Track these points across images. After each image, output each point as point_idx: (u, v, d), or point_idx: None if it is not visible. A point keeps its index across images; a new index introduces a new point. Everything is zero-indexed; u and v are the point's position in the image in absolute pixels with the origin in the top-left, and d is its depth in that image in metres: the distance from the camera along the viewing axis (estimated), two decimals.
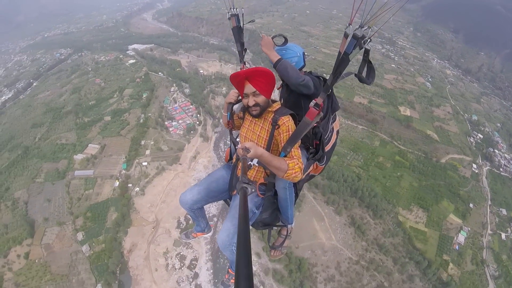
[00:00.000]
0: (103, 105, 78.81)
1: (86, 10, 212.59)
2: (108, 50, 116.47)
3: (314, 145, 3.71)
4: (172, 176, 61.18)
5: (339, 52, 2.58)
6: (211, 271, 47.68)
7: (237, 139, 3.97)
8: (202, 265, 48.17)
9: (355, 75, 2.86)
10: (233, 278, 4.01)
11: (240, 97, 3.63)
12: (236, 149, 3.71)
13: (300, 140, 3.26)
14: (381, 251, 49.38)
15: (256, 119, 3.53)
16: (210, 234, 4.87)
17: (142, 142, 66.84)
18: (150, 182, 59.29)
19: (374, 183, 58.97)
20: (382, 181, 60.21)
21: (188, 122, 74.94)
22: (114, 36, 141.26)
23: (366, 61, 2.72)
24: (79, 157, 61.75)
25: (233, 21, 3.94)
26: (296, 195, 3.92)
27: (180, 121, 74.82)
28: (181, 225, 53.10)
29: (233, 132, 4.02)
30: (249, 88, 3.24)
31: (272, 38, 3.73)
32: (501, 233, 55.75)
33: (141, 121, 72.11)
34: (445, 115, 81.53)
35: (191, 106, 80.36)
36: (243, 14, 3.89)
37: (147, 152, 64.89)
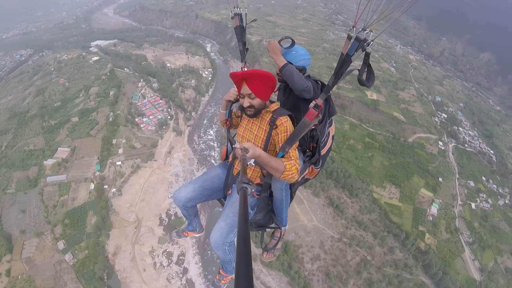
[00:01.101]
0: (70, 106, 74.89)
1: (45, 8, 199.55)
2: (70, 48, 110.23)
3: (310, 148, 3.75)
4: (149, 174, 60.01)
5: (341, 54, 2.66)
6: (200, 264, 47.81)
7: (234, 138, 3.92)
8: (190, 260, 48.14)
9: (358, 70, 2.86)
10: (224, 279, 4.13)
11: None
12: (233, 148, 3.80)
13: (298, 142, 3.28)
14: (361, 227, 51.96)
15: (254, 119, 3.50)
16: (201, 234, 4.82)
17: (114, 141, 64.61)
18: (126, 181, 57.77)
19: (348, 164, 61.28)
20: (354, 162, 62.78)
21: (159, 117, 73.58)
22: (76, 33, 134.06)
23: (367, 64, 2.77)
24: (49, 162, 58.45)
25: (236, 20, 3.90)
26: (291, 197, 3.90)
27: (151, 117, 73.20)
28: (164, 222, 52.47)
29: (230, 130, 4.01)
30: (245, 89, 3.21)
31: (279, 41, 3.70)
32: (471, 203, 60.35)
33: (111, 119, 69.48)
34: (410, 98, 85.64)
35: (161, 101, 78.83)
36: (246, 14, 3.89)
37: (120, 151, 62.86)
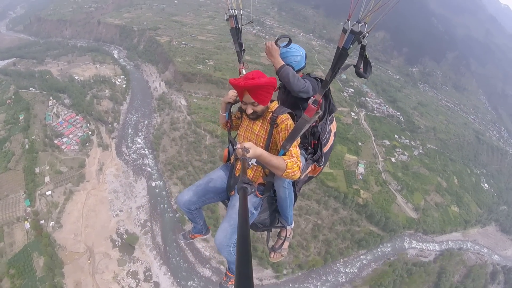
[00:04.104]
0: None
1: None
2: None
3: (312, 145, 3.78)
4: (84, 197, 55.89)
5: (338, 47, 2.63)
6: (169, 273, 47.46)
7: (235, 139, 3.94)
8: (157, 272, 47.35)
9: (354, 66, 2.89)
10: (232, 280, 4.14)
11: (238, 97, 3.50)
12: (234, 150, 3.77)
13: (299, 139, 3.29)
14: (304, 198, 57.58)
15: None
16: (208, 235, 4.72)
17: (37, 170, 57.97)
18: (63, 211, 52.83)
19: None
20: None
21: (80, 134, 68.07)
22: None
23: (363, 56, 2.78)
24: None
25: (231, 22, 3.97)
26: (295, 196, 3.89)
27: (71, 136, 67.33)
28: (117, 242, 50.02)
29: (231, 132, 4.02)
30: (247, 98, 3.20)
31: (276, 41, 3.69)
32: (391, 158, 72.41)
33: (27, 147, 61.78)
34: None
35: (77, 117, 72.56)
36: (241, 15, 3.96)
37: (47, 179, 56.85)
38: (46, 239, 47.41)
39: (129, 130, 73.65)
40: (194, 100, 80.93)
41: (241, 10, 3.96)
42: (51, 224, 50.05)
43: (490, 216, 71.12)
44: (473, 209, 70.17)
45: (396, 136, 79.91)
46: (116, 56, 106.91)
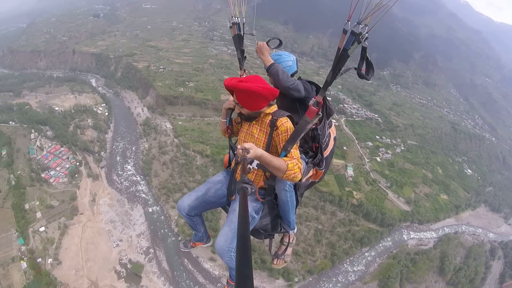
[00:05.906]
0: None
1: None
2: None
3: (313, 148, 3.77)
4: (81, 230, 54.32)
5: (338, 48, 2.67)
6: None
7: (236, 144, 3.94)
8: None
9: (355, 68, 2.92)
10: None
11: None
12: (235, 154, 3.80)
13: (299, 142, 3.27)
14: (302, 206, 58.04)
15: (254, 122, 3.50)
16: (209, 244, 4.67)
17: (27, 206, 55.91)
18: (59, 246, 50.97)
19: None
20: None
21: (67, 166, 66.53)
22: None
23: (364, 58, 2.78)
24: None
25: (234, 29, 4.06)
26: (297, 201, 3.87)
27: (58, 168, 65.66)
28: (122, 273, 48.84)
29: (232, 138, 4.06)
30: (234, 98, 3.31)
31: (267, 42, 3.86)
32: (376, 157, 76.02)
33: (13, 182, 59.71)
34: None
35: (62, 149, 71.09)
36: (243, 23, 4.08)
37: (38, 215, 54.76)
38: (47, 277, 45.55)
39: (118, 158, 72.74)
40: (179, 123, 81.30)
41: (244, 19, 4.07)
42: (49, 262, 48.12)
43: (478, 199, 75.55)
44: (461, 194, 74.52)
45: (377, 137, 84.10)
46: (94, 84, 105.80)
